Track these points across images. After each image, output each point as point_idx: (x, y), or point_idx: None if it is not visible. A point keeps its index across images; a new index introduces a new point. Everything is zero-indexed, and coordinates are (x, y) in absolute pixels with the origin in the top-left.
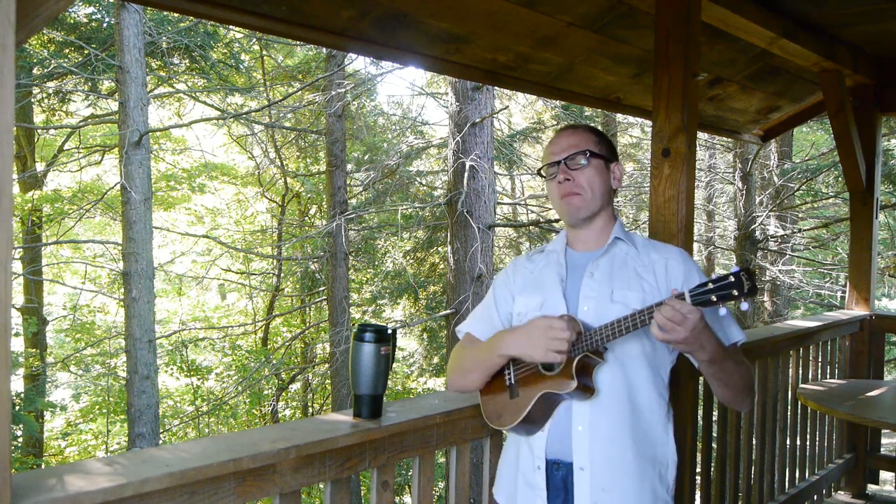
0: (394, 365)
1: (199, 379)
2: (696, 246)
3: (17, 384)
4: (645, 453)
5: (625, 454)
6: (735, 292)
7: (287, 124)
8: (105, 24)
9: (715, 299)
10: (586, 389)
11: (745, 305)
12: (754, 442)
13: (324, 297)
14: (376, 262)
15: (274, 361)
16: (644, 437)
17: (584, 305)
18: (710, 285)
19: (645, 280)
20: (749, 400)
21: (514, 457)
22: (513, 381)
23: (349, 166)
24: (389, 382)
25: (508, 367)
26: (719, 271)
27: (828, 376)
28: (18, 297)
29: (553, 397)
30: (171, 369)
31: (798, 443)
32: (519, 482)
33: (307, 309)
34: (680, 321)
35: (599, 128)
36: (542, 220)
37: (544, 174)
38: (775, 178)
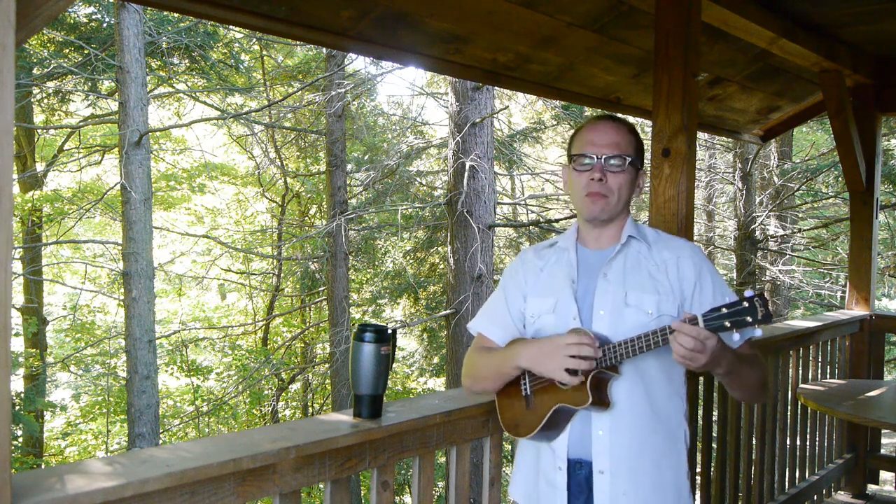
0: (394, 365)
1: (199, 379)
2: None
3: (17, 384)
4: (666, 454)
5: (644, 458)
6: (749, 318)
7: (287, 124)
8: (105, 24)
9: (729, 325)
10: (601, 403)
11: (758, 332)
12: (754, 442)
13: (324, 297)
14: (376, 262)
15: (274, 361)
16: (665, 437)
17: (600, 309)
18: (724, 310)
19: (658, 281)
20: (763, 395)
21: (534, 456)
22: (528, 392)
23: (349, 166)
24: (389, 382)
25: (524, 376)
26: (730, 297)
27: (828, 376)
28: (18, 297)
29: (568, 409)
30: (171, 369)
31: (798, 443)
32: (540, 482)
33: (307, 309)
34: (700, 350)
35: None
36: (542, 220)
37: (573, 161)
38: (775, 178)
